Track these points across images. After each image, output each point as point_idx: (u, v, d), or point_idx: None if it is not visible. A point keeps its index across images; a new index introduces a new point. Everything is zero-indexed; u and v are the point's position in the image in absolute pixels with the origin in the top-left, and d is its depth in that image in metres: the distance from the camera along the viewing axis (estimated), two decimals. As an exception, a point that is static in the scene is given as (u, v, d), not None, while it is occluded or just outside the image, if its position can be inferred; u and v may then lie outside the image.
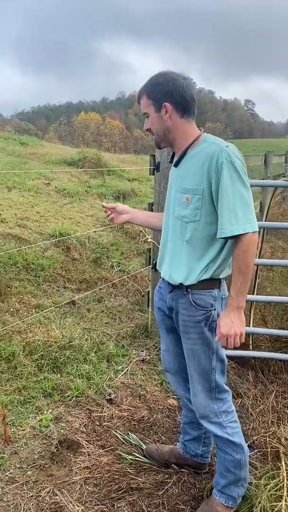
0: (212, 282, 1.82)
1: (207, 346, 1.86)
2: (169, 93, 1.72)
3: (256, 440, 2.54)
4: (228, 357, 3.22)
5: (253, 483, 2.17)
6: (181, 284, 1.83)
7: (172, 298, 1.91)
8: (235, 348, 3.27)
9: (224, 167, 1.64)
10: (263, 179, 6.64)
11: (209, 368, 1.88)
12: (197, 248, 1.78)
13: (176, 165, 1.83)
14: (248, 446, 2.46)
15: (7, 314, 3.81)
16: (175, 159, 1.85)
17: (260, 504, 1.99)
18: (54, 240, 5.49)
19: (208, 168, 1.68)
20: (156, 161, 3.40)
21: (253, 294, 3.33)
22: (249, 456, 2.40)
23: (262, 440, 2.54)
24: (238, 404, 2.86)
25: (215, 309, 1.84)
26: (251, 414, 2.77)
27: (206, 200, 1.71)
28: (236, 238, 1.66)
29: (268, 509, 1.97)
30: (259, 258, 3.32)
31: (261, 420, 2.71)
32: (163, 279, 1.99)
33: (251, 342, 3.33)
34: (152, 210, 3.57)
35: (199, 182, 1.71)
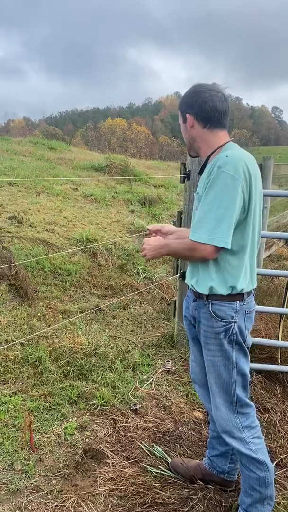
0: (234, 295, 1.79)
1: (226, 358, 1.83)
2: (190, 105, 1.81)
3: (285, 458, 2.48)
4: (256, 370, 3.16)
5: (281, 503, 2.11)
6: (201, 293, 1.82)
7: (195, 308, 1.90)
8: (262, 361, 3.23)
9: (218, 175, 1.65)
10: (292, 189, 6.53)
11: (229, 381, 1.85)
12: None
13: (200, 173, 1.86)
14: (276, 464, 2.41)
15: (34, 318, 3.83)
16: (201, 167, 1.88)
17: (289, 527, 1.93)
18: (81, 246, 5.52)
19: (208, 175, 1.70)
20: (187, 170, 3.38)
21: (283, 306, 3.26)
22: (277, 475, 2.34)
23: (290, 458, 2.47)
24: (266, 419, 2.79)
25: (235, 322, 1.80)
26: (279, 431, 2.70)
27: None
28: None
29: (298, 532, 1.90)
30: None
31: (290, 438, 2.64)
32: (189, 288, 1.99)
33: (279, 356, 3.25)
34: (181, 219, 3.55)
35: (204, 190, 1.74)
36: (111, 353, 3.41)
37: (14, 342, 3.39)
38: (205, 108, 1.77)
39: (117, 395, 2.96)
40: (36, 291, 4.36)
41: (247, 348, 1.88)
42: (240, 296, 1.80)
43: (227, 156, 1.66)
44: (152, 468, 2.34)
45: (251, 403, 1.94)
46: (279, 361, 3.24)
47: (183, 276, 3.45)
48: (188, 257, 1.80)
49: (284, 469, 2.40)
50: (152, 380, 3.20)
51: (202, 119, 1.79)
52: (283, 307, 3.26)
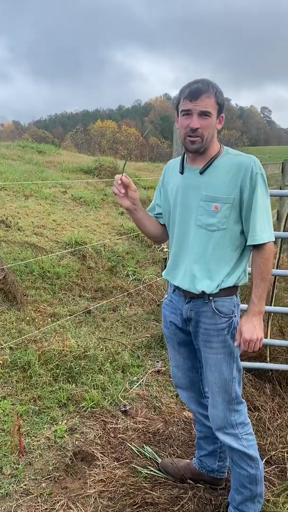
0: (233, 289, 1.84)
1: (229, 354, 1.84)
2: (224, 105, 1.78)
3: (274, 455, 2.49)
4: (245, 369, 3.18)
5: (271, 500, 2.12)
6: (203, 292, 1.81)
7: (190, 309, 1.88)
8: (252, 360, 3.24)
9: (259, 179, 1.72)
10: (280, 188, 6.58)
11: (230, 378, 1.86)
12: (221, 257, 1.79)
13: (201, 173, 1.79)
14: (266, 461, 2.42)
15: (23, 322, 3.82)
16: (199, 167, 1.80)
17: (278, 523, 1.94)
18: (70, 248, 5.52)
19: (243, 178, 1.72)
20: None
21: (270, 305, 3.28)
22: (267, 472, 2.35)
23: (280, 455, 2.48)
24: (255, 417, 2.80)
25: (235, 316, 1.84)
26: (269, 429, 2.71)
27: (235, 209, 1.75)
28: (259, 246, 1.74)
29: (287, 528, 1.91)
30: (277, 268, 3.27)
31: (279, 435, 2.65)
32: (174, 290, 1.96)
33: (268, 354, 3.27)
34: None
35: (230, 191, 1.74)
36: (101, 355, 3.41)
37: (2, 346, 3.37)
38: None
39: (107, 397, 2.96)
40: (25, 295, 4.35)
41: None
42: (236, 290, 1.86)
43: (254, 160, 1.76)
44: (142, 468, 2.34)
45: (244, 400, 1.96)
46: (268, 359, 3.26)
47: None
48: (271, 266, 1.82)
49: (274, 466, 2.41)
50: (142, 381, 3.20)
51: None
52: (270, 305, 3.28)
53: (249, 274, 1.91)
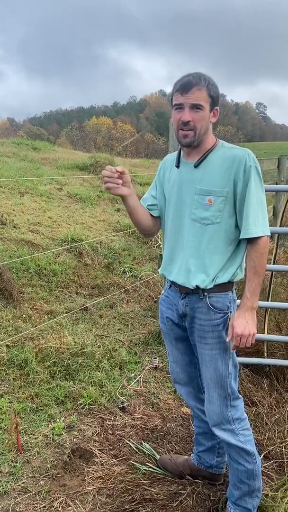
0: (228, 285, 1.82)
1: (224, 350, 1.84)
2: (218, 97, 1.76)
3: (272, 450, 2.49)
4: (243, 364, 3.18)
5: (269, 495, 2.12)
6: (197, 287, 1.80)
7: (185, 304, 1.87)
8: (249, 355, 3.24)
9: (252, 171, 1.70)
10: (276, 183, 6.58)
11: (226, 374, 1.86)
12: (216, 251, 1.78)
13: (196, 166, 1.79)
14: (264, 456, 2.43)
15: (19, 320, 3.81)
16: (194, 161, 1.80)
17: (277, 518, 1.94)
18: (66, 245, 5.50)
19: (236, 171, 1.71)
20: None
21: (267, 300, 3.28)
22: (265, 467, 2.35)
23: (278, 450, 2.49)
24: (253, 412, 2.80)
25: (231, 311, 1.83)
26: (266, 424, 2.72)
27: (229, 202, 1.74)
28: (253, 240, 1.72)
29: (286, 523, 1.92)
30: (273, 263, 3.27)
31: (277, 430, 2.65)
32: (170, 286, 1.95)
33: (265, 350, 3.27)
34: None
35: (224, 184, 1.73)
36: (98, 352, 3.40)
37: (-1, 344, 3.36)
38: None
39: (104, 394, 2.95)
40: (21, 293, 4.33)
41: None
42: (232, 285, 1.85)
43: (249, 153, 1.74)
44: (140, 465, 2.34)
45: (240, 395, 1.95)
46: (265, 355, 3.26)
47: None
48: (266, 261, 1.77)
49: (272, 461, 2.42)
50: (140, 377, 3.20)
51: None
52: (267, 301, 3.28)
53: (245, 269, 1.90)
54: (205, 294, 1.80)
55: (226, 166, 1.73)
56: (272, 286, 3.32)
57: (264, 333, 3.25)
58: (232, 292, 1.87)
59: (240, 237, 1.75)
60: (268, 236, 1.74)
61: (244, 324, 1.71)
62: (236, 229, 1.78)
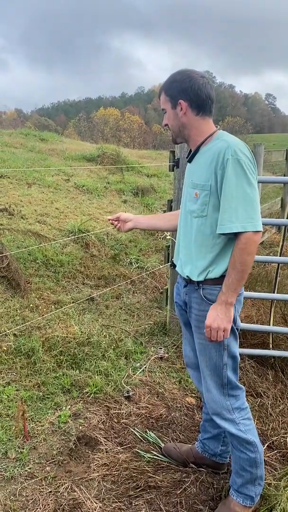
0: (220, 280, 1.80)
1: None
2: (185, 90, 1.76)
3: (276, 440, 2.51)
4: (248, 356, 3.19)
5: (272, 484, 2.14)
6: (189, 278, 1.87)
7: (185, 293, 1.94)
8: (254, 347, 3.26)
9: (230, 164, 1.65)
10: (284, 175, 6.53)
11: (220, 364, 1.88)
12: (203, 244, 1.80)
13: (189, 161, 1.87)
14: (268, 446, 2.45)
15: (27, 310, 3.84)
16: (190, 155, 1.88)
17: (279, 506, 1.96)
18: (73, 236, 5.52)
19: (216, 164, 1.70)
20: (176, 158, 3.38)
21: (273, 292, 3.28)
22: (269, 456, 2.37)
23: (282, 440, 2.51)
24: (258, 403, 2.82)
25: None
26: (271, 414, 2.73)
27: (214, 196, 1.73)
28: (237, 235, 1.67)
29: (288, 511, 1.94)
30: (280, 255, 3.27)
31: (281, 421, 2.67)
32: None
33: (271, 341, 3.28)
34: (171, 207, 3.55)
35: (207, 178, 1.74)
36: (104, 342, 3.43)
37: (6, 333, 3.40)
38: (201, 95, 1.75)
39: (110, 383, 2.98)
40: (29, 283, 4.36)
41: (237, 330, 1.90)
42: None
43: (235, 143, 1.69)
44: (145, 453, 2.37)
45: (241, 386, 1.97)
46: (270, 346, 3.27)
47: (174, 265, 3.45)
48: (248, 257, 1.67)
49: (275, 451, 2.44)
50: (145, 367, 3.23)
51: (196, 106, 1.77)
52: (273, 292, 3.28)
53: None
54: (200, 285, 1.84)
55: (210, 159, 1.72)
56: (278, 278, 3.32)
57: (269, 324, 3.26)
58: None
59: (216, 232, 1.72)
60: (254, 231, 1.64)
61: (214, 317, 1.73)
62: None
